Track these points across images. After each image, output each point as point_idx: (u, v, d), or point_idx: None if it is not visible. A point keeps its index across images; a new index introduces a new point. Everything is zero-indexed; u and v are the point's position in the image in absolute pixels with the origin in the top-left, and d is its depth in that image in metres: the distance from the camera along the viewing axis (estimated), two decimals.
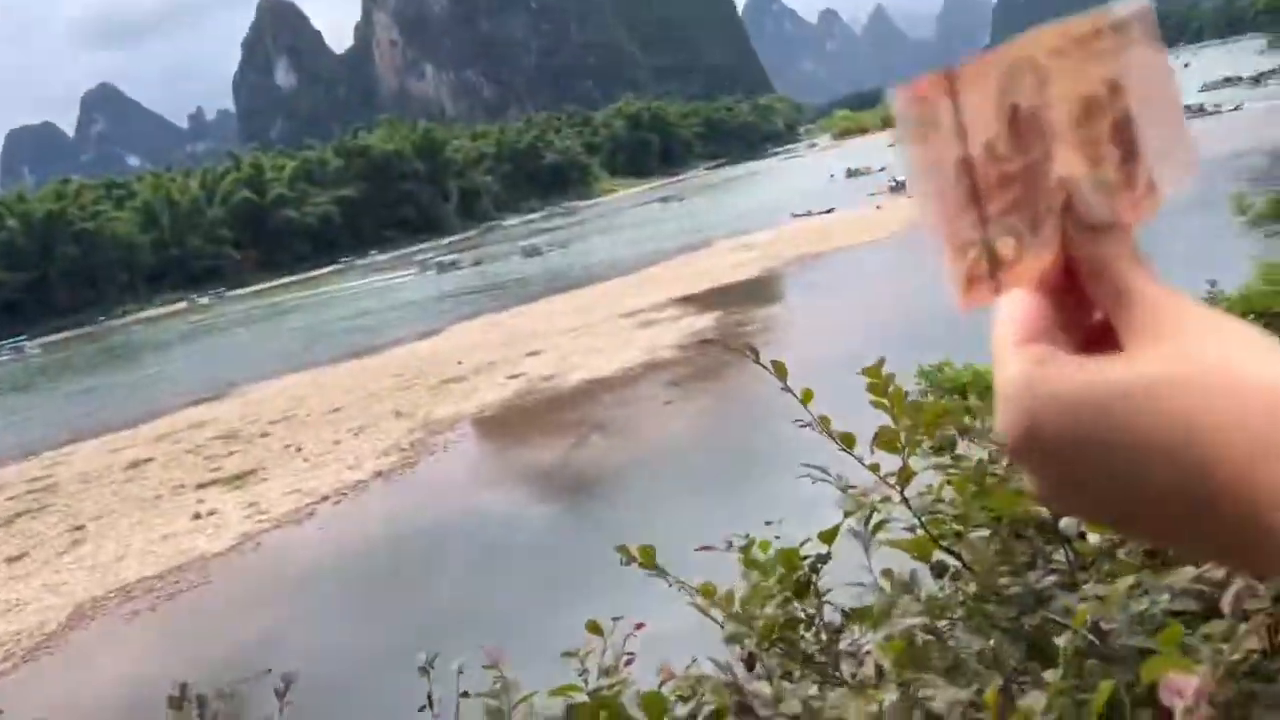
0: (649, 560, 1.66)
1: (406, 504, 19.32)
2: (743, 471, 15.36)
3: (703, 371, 24.34)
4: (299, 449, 24.96)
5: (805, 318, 29.17)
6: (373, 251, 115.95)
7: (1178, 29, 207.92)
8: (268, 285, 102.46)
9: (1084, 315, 0.54)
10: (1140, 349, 0.49)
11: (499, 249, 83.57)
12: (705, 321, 30.47)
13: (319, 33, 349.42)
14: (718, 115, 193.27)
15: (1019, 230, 0.53)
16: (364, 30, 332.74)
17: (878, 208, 47.62)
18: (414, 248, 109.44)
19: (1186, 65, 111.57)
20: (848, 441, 1.63)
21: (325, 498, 20.17)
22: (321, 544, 17.74)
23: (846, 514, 1.64)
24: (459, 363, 32.36)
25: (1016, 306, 0.54)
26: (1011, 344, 0.53)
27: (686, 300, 34.58)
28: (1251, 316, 8.29)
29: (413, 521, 18.00)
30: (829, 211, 52.76)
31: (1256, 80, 79.48)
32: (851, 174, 75.59)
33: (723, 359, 21.57)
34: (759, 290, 35.27)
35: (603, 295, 40.46)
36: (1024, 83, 0.52)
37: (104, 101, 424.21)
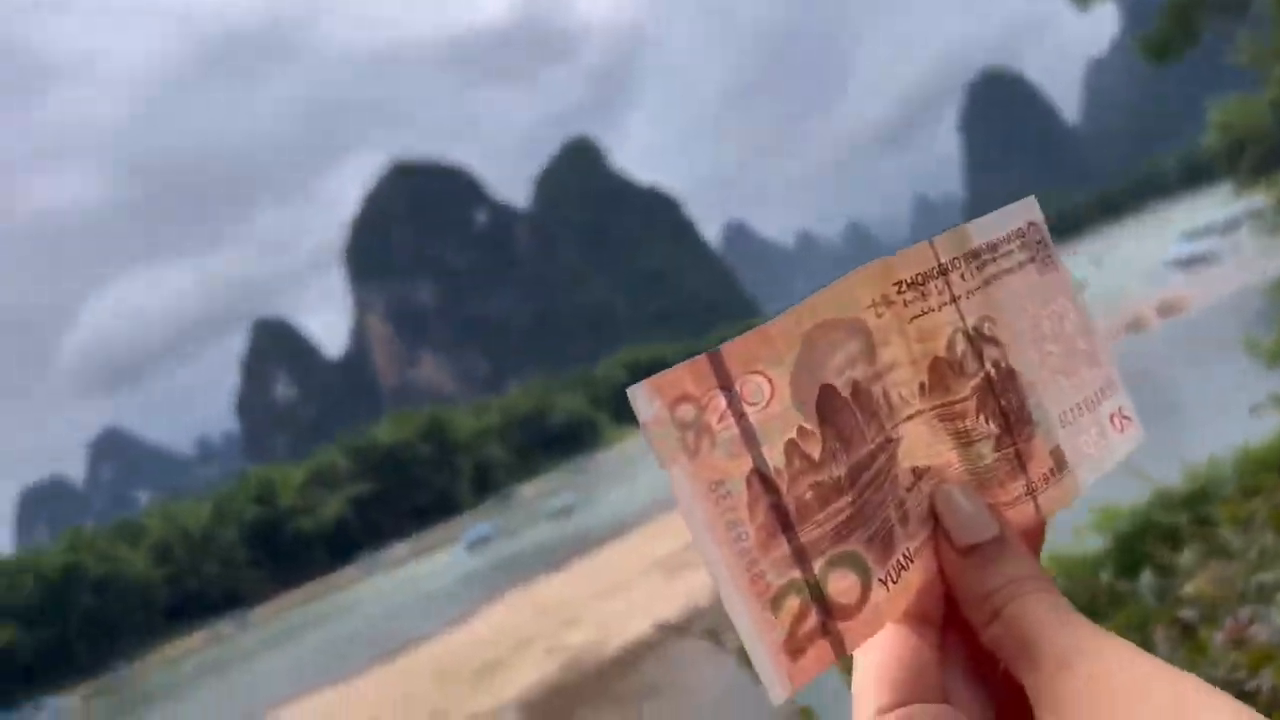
0: None
1: None
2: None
3: None
4: None
5: None
6: (392, 543, 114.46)
7: (1144, 186, 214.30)
8: (290, 599, 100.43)
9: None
10: None
11: (516, 518, 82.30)
12: None
13: (313, 344, 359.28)
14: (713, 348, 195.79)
15: (859, 559, 0.37)
16: (358, 332, 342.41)
17: None
18: (432, 531, 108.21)
19: (1171, 221, 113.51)
20: None
21: None
22: None
23: None
24: (494, 645, 30.55)
25: (879, 654, 0.38)
26: (873, 714, 0.37)
27: None
28: None
29: None
30: None
31: (1233, 224, 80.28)
32: None
33: None
34: None
35: (629, 548, 38.94)
36: (837, 352, 0.37)
37: (110, 445, 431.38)
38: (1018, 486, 0.40)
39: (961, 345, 0.40)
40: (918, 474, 0.39)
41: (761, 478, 0.35)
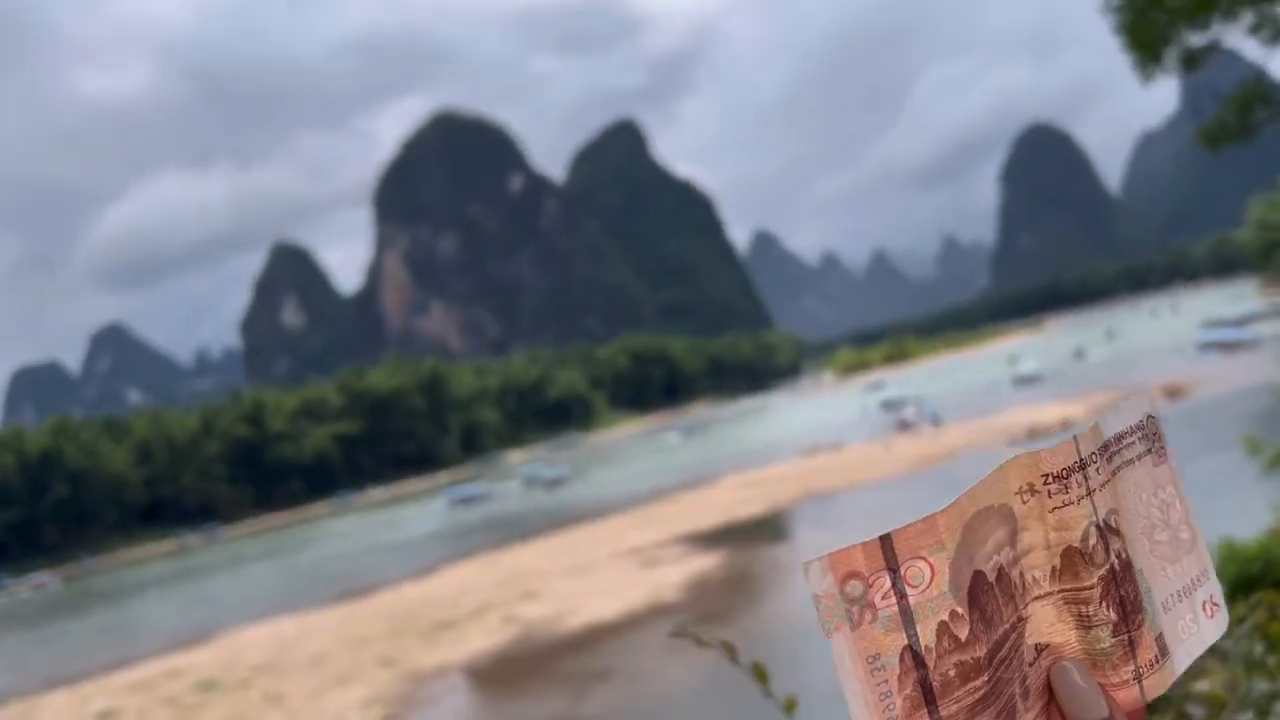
0: None
1: None
2: None
3: (710, 615, 22.77)
4: (279, 698, 23.12)
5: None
6: (370, 486, 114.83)
7: (1173, 267, 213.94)
8: (261, 523, 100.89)
9: None
10: None
11: (498, 483, 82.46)
12: (710, 561, 29.03)
13: (327, 275, 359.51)
14: (721, 351, 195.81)
15: None
16: (374, 271, 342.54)
17: (886, 446, 46.77)
18: (410, 481, 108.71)
19: (1193, 306, 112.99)
20: None
21: None
22: None
23: None
24: (453, 605, 30.69)
25: None
26: None
27: (691, 538, 33.19)
28: (1266, 564, 7.49)
29: None
30: (836, 448, 51.93)
31: (1245, 320, 79.89)
32: (887, 407, 69.94)
33: (732, 600, 20.25)
34: (765, 527, 33.97)
35: (604, 532, 39.11)
36: (989, 540, 0.42)
37: (111, 340, 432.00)
38: (1128, 671, 0.45)
39: (1094, 538, 0.44)
40: (1039, 649, 0.44)
41: (913, 654, 0.40)
